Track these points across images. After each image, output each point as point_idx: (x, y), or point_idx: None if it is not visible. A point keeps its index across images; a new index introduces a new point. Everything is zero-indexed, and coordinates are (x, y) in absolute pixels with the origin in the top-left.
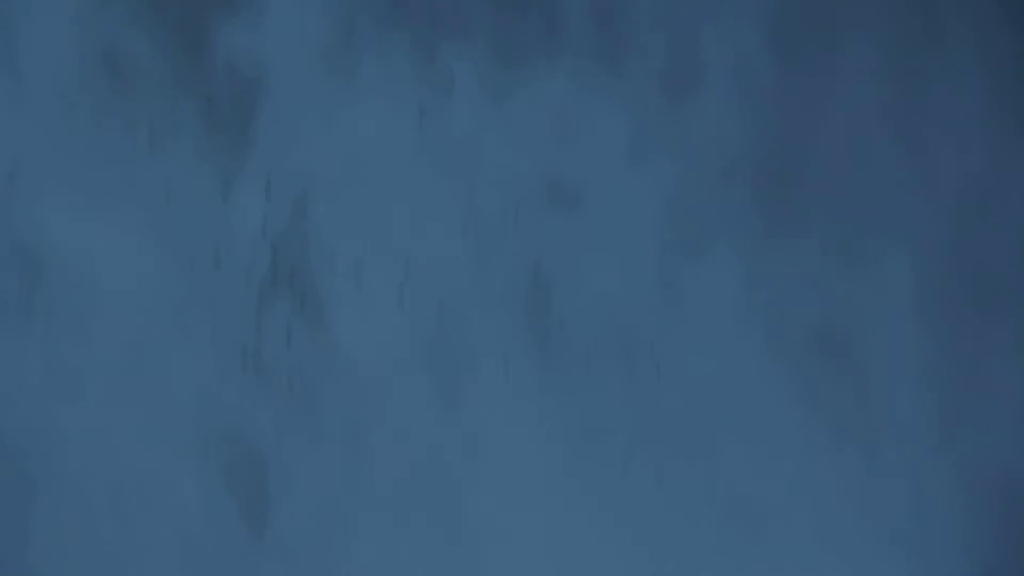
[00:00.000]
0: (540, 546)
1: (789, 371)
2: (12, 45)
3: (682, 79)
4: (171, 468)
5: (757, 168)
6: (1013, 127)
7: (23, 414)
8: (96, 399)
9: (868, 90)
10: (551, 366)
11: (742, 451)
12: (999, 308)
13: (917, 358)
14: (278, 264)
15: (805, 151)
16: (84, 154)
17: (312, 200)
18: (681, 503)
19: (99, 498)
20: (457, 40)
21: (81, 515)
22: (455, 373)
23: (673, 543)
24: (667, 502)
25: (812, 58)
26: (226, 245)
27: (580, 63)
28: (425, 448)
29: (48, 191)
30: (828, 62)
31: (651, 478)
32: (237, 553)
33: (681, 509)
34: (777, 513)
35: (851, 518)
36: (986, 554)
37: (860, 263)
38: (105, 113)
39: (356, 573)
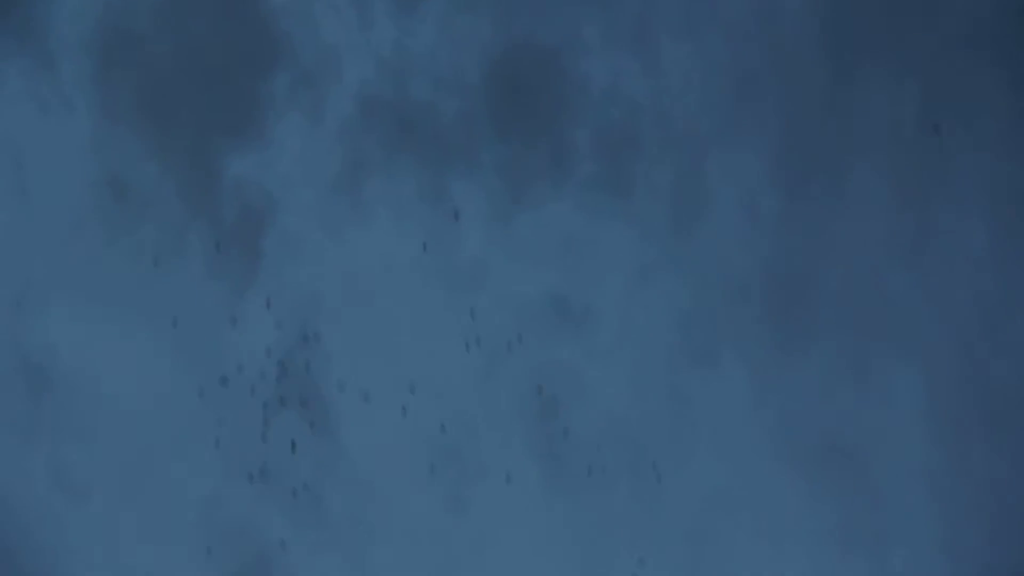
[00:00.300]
0: None
1: (797, 480)
2: (22, 169)
3: (689, 206)
4: (175, 574)
5: (765, 286)
6: (1019, 247)
7: (28, 520)
8: (101, 506)
9: (874, 214)
10: (557, 476)
11: (750, 559)
12: (1007, 420)
13: (925, 468)
14: (284, 380)
15: (813, 272)
16: (92, 275)
17: (318, 320)
18: None
19: None
20: (464, 168)
21: None
22: (461, 483)
23: None
24: None
25: (818, 185)
26: (232, 363)
27: (587, 191)
28: (431, 555)
29: (57, 309)
30: (834, 188)
31: None
32: None
33: None
34: None
35: None
36: None
37: (868, 377)
38: (114, 237)
39: None
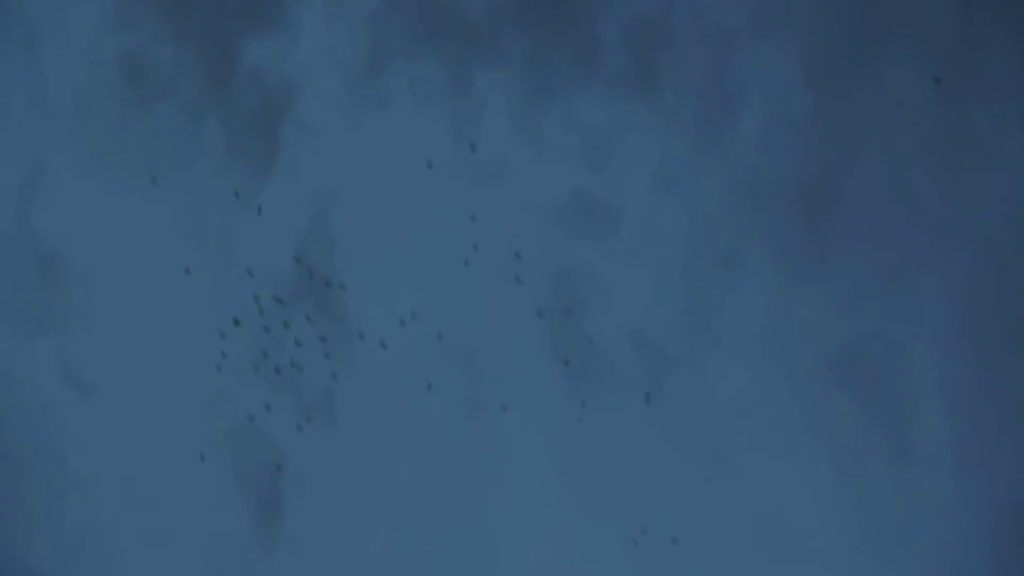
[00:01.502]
0: (556, 543)
1: (816, 393)
2: (37, 54)
3: (717, 107)
4: (182, 468)
5: (794, 190)
6: None
7: (35, 414)
8: (108, 399)
9: (907, 122)
10: (574, 381)
11: (767, 469)
12: None
13: (949, 387)
14: (299, 272)
15: (841, 180)
16: (105, 160)
17: (334, 212)
18: (704, 518)
19: (108, 498)
20: (489, 59)
21: (89, 515)
22: (477, 379)
23: (694, 556)
24: (689, 515)
25: (851, 89)
26: (245, 254)
27: (614, 86)
28: (444, 449)
29: (69, 197)
30: (867, 93)
31: (675, 493)
32: (248, 555)
33: (703, 523)
34: (800, 530)
35: (875, 539)
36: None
37: (895, 289)
38: (128, 120)
39: (369, 568)
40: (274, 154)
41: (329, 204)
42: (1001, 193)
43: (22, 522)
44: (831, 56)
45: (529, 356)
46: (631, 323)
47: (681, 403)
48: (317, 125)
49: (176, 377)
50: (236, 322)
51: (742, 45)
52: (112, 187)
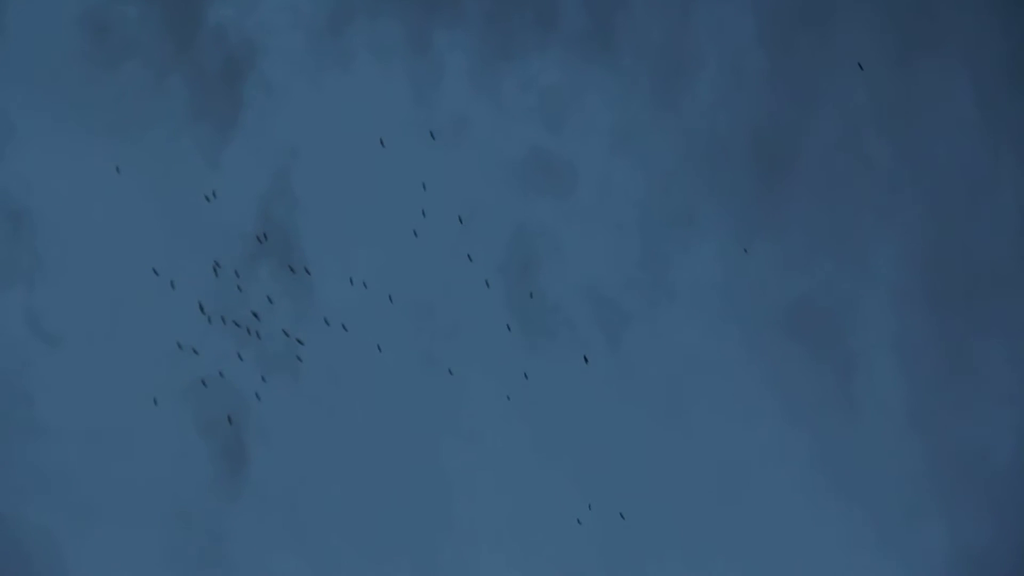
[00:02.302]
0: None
1: (769, 346)
2: (2, 13)
3: (673, 68)
4: (146, 417)
5: (749, 149)
6: (1003, 122)
7: (3, 363)
8: (75, 350)
9: (860, 83)
10: (529, 335)
11: (721, 420)
12: (981, 292)
13: (898, 339)
14: (263, 225)
15: (795, 139)
16: (72, 116)
17: (297, 167)
18: (657, 469)
19: (75, 443)
20: (449, 19)
21: (54, 459)
22: (439, 334)
23: (648, 502)
24: (642, 465)
25: (805, 50)
26: (210, 208)
27: (573, 46)
28: (405, 401)
29: (36, 154)
30: (821, 55)
31: (628, 443)
32: (213, 497)
33: (656, 470)
34: (752, 480)
35: (827, 487)
36: (962, 526)
37: (846, 243)
38: (93, 78)
39: (331, 517)
40: (237, 112)
41: (291, 161)
42: (952, 151)
43: None
44: (785, 17)
45: (485, 312)
46: (587, 279)
47: (636, 357)
48: (279, 83)
49: (141, 329)
50: (216, 268)
51: (698, 7)
52: (78, 144)
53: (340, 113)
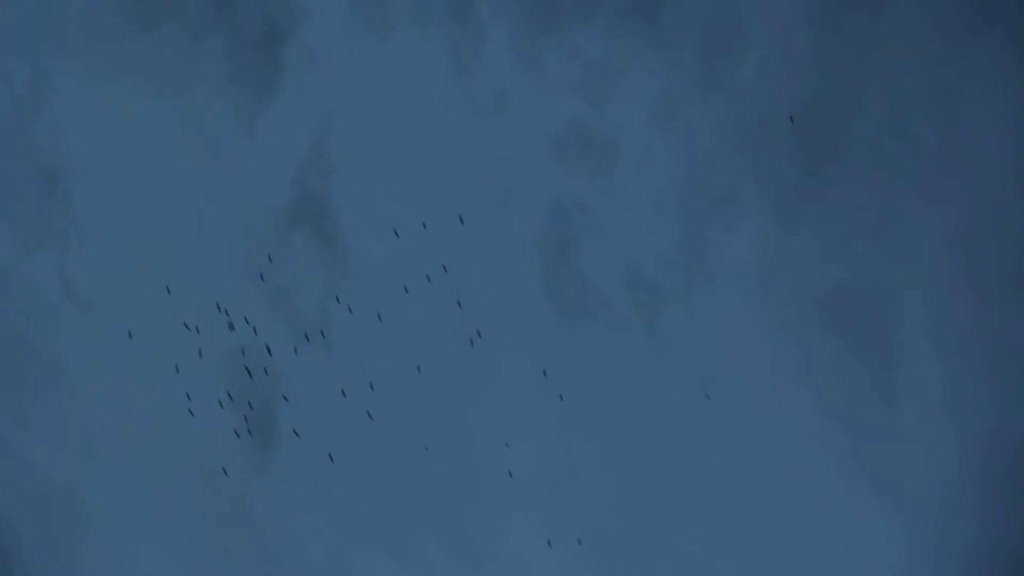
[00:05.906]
0: (544, 465)
1: (807, 333)
2: None
3: (718, 44)
4: (173, 384)
5: (790, 132)
6: None
7: (36, 324)
8: (106, 315)
9: (909, 61)
10: (565, 314)
11: (754, 406)
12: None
13: (939, 327)
14: (299, 193)
15: (841, 117)
16: (110, 76)
17: (334, 137)
18: (690, 451)
19: (100, 405)
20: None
21: (82, 417)
22: (476, 309)
23: (681, 489)
24: (674, 446)
25: (853, 26)
26: (246, 173)
27: (617, 18)
28: (439, 375)
29: (73, 114)
30: (869, 31)
31: (662, 424)
32: (240, 460)
33: (686, 451)
34: (786, 467)
35: (861, 478)
36: (997, 516)
37: (889, 228)
38: (133, 38)
39: (358, 483)
40: (276, 77)
41: (329, 129)
42: (1002, 137)
43: (16, 416)
44: None
45: (523, 288)
46: (625, 258)
47: (672, 338)
48: (319, 49)
49: (174, 294)
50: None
51: None
52: (116, 105)
53: (379, 82)
